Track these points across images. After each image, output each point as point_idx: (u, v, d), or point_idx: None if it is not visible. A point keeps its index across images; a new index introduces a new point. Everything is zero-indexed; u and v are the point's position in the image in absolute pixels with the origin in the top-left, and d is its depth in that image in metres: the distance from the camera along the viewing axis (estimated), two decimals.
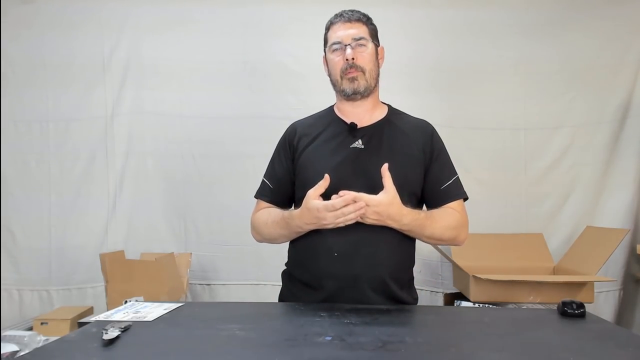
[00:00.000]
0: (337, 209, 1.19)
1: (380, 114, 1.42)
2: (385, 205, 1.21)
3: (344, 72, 1.34)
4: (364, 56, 1.34)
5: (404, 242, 1.34)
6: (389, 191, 1.21)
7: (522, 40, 2.64)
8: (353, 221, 1.21)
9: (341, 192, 1.20)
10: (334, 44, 1.35)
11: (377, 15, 1.42)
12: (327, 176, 1.23)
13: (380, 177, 1.24)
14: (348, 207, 1.19)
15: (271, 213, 1.39)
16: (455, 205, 1.38)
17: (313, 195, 1.22)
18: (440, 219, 1.33)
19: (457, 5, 2.67)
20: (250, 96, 2.70)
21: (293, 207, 1.43)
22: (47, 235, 2.69)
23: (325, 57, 1.42)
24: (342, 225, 1.21)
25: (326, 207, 1.19)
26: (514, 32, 2.65)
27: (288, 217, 1.31)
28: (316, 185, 1.23)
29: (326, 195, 1.28)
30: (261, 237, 1.44)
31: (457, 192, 1.39)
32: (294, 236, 1.36)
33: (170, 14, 2.71)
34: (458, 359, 0.84)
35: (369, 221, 1.22)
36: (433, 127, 1.43)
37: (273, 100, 2.67)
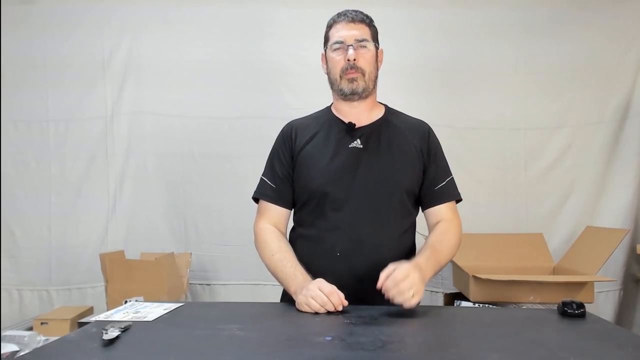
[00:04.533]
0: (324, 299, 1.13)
1: (378, 113, 1.41)
2: (409, 273, 1.12)
3: (344, 72, 1.33)
4: (366, 58, 1.33)
5: (403, 237, 1.35)
6: (397, 268, 1.13)
7: (522, 40, 2.65)
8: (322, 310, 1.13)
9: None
10: (336, 42, 1.33)
11: (376, 14, 1.42)
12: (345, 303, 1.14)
13: (378, 178, 1.27)
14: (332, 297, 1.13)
15: (281, 249, 1.32)
16: (448, 206, 1.38)
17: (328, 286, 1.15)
18: (446, 245, 1.31)
19: (456, 5, 2.67)
20: (250, 96, 2.70)
21: (293, 211, 1.42)
22: (47, 235, 2.69)
23: (324, 55, 1.40)
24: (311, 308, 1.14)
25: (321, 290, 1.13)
26: (514, 32, 2.65)
27: (292, 277, 1.25)
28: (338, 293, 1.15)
29: (325, 193, 1.28)
30: (260, 258, 1.37)
31: (452, 193, 1.39)
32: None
33: (170, 14, 2.71)
34: (458, 359, 0.84)
35: (415, 300, 1.11)
36: (429, 127, 1.43)
37: (273, 100, 2.67)
